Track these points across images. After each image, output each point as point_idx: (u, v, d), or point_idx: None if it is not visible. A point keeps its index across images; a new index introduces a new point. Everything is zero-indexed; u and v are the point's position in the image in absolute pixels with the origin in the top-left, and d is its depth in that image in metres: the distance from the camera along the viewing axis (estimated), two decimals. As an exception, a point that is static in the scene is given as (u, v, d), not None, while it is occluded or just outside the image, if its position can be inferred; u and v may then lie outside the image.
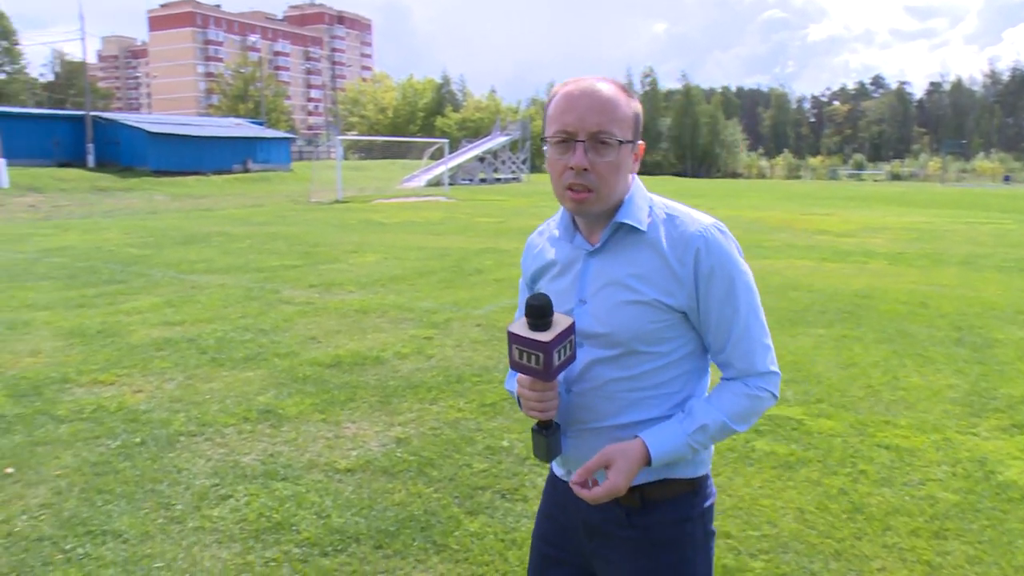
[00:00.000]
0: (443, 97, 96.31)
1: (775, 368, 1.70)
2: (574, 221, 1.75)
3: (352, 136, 67.12)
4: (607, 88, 1.63)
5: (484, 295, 9.71)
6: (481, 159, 53.14)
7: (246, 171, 44.98)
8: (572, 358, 1.63)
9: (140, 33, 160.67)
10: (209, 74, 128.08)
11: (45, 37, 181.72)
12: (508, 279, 10.85)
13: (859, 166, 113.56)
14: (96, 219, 22.50)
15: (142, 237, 17.03)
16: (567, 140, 1.61)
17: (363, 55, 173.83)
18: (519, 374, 1.64)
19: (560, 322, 1.57)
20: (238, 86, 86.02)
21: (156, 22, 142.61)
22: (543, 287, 1.80)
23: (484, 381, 6.03)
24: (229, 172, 43.66)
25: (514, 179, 53.86)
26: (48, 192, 31.15)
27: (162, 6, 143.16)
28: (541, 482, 4.17)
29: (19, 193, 30.56)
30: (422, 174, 46.93)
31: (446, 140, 45.51)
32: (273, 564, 3.42)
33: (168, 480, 4.29)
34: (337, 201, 30.63)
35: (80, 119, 41.98)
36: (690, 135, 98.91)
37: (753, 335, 1.67)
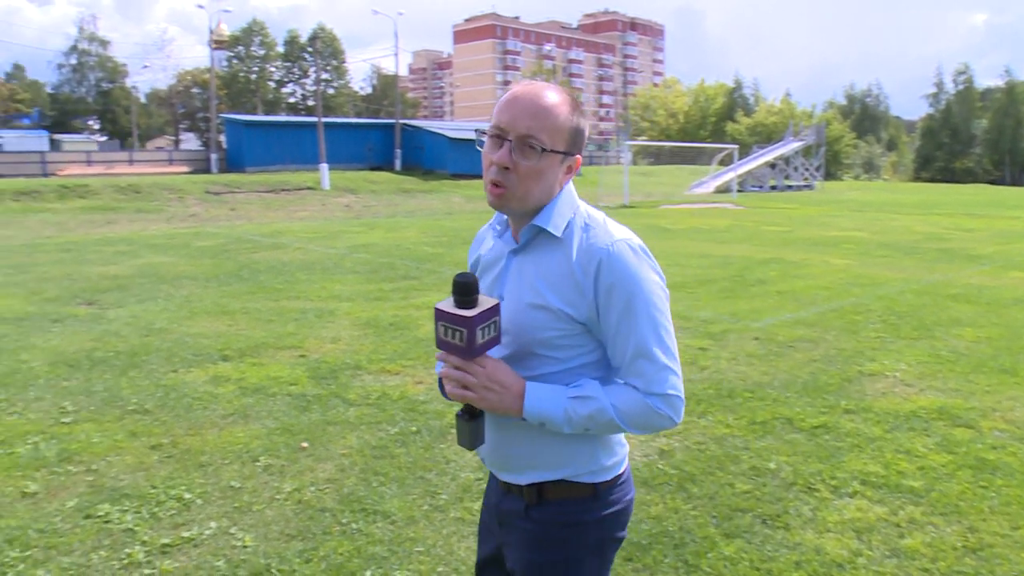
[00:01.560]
0: (734, 102, 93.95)
1: (674, 392, 1.67)
2: (508, 219, 1.79)
3: (641, 141, 67.43)
4: (551, 97, 1.66)
5: (765, 307, 9.34)
6: (772, 165, 51.22)
7: (537, 175, 46.58)
8: (496, 340, 1.63)
9: (446, 46, 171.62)
10: (507, 82, 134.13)
11: (366, 55, 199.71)
12: (792, 292, 10.36)
13: None
14: (399, 218, 24.37)
15: (437, 236, 18.19)
16: (498, 136, 1.66)
17: (655, 60, 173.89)
18: (443, 354, 1.66)
19: (485, 302, 1.59)
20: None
21: (460, 35, 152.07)
22: (480, 275, 1.86)
23: (756, 398, 5.80)
24: (521, 176, 45.45)
25: (806, 186, 51.35)
26: (361, 193, 34.20)
27: (466, 20, 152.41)
28: (808, 511, 3.94)
29: (337, 194, 33.88)
30: (710, 180, 46.12)
31: (736, 146, 44.43)
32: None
33: (436, 470, 4.53)
34: (624, 206, 30.88)
35: (390, 127, 45.83)
36: (1010, 138, 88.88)
37: (652, 355, 1.64)
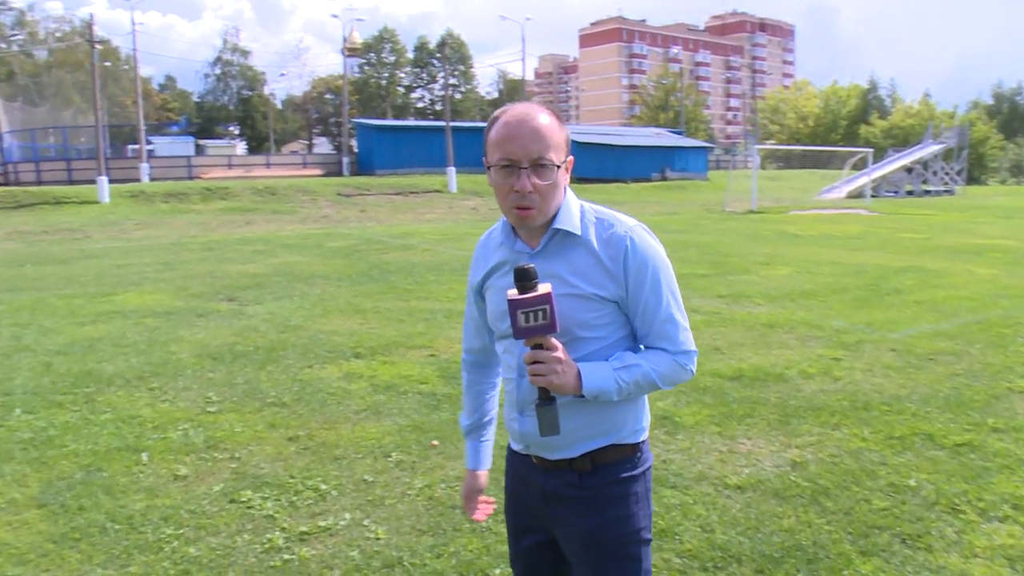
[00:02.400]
0: (868, 103, 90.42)
1: (692, 347, 1.94)
2: (513, 229, 1.95)
3: (770, 145, 65.84)
4: (543, 118, 1.84)
5: (902, 317, 8.97)
6: (909, 169, 49.09)
7: (664, 179, 46.21)
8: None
9: (571, 50, 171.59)
10: (632, 86, 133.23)
11: (493, 59, 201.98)
12: (931, 302, 9.91)
13: None
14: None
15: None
16: (511, 166, 1.82)
17: (784, 62, 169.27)
18: (524, 354, 1.80)
19: (544, 287, 1.76)
20: (659, 97, 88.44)
21: (586, 39, 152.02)
22: (493, 283, 2.02)
23: (894, 411, 5.58)
24: (647, 180, 45.17)
25: (946, 191, 48.94)
26: (486, 196, 34.64)
27: (592, 24, 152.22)
28: (952, 533, 3.76)
29: (464, 197, 34.49)
30: (842, 185, 44.61)
31: (870, 150, 42.71)
32: (652, 570, 3.47)
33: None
34: (751, 211, 30.23)
35: (516, 131, 46.19)
36: None
37: (675, 319, 1.91)
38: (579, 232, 1.89)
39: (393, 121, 57.96)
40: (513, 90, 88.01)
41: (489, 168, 1.88)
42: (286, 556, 3.66)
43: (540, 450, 2.00)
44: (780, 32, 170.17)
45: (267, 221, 26.17)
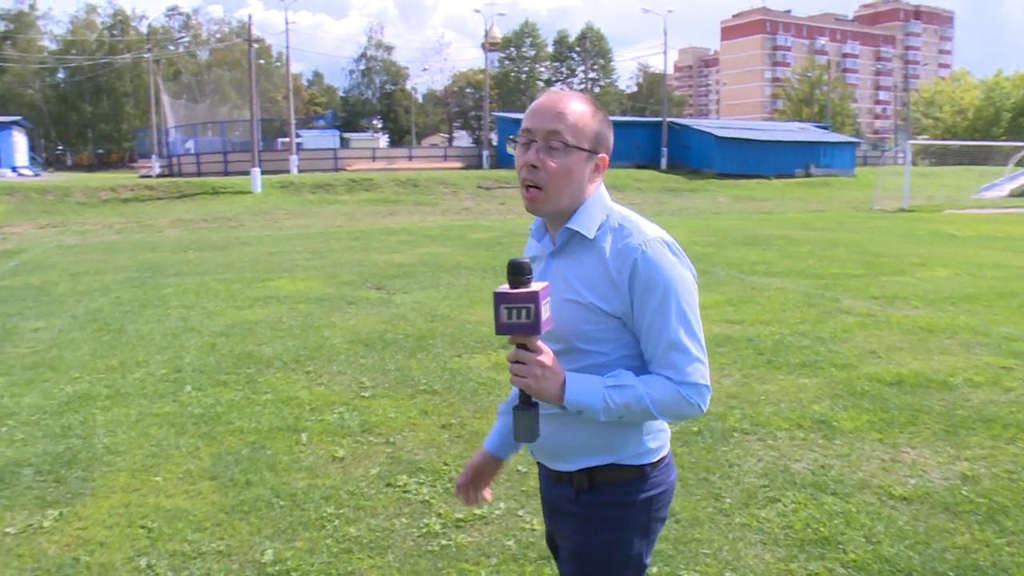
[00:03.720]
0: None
1: (703, 381, 1.75)
2: (545, 223, 1.89)
3: (923, 140, 62.55)
4: (574, 102, 1.80)
5: (1079, 326, 8.34)
6: (1082, 167, 45.70)
7: (808, 175, 44.66)
8: (550, 322, 1.69)
9: (712, 43, 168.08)
10: (775, 79, 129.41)
11: (632, 53, 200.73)
12: (1113, 309, 9.18)
13: None
14: (665, 217, 24.25)
15: (706, 236, 17.92)
16: (528, 141, 1.79)
17: (941, 51, 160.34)
18: (508, 353, 1.72)
19: (538, 285, 1.66)
20: (803, 90, 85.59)
21: (728, 32, 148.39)
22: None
23: (1076, 426, 5.20)
24: (790, 176, 43.77)
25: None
26: (626, 191, 34.42)
27: (735, 16, 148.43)
28: None
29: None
30: (1004, 183, 41.95)
31: (1038, 144, 40.02)
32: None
33: (720, 472, 4.46)
34: (902, 209, 28.84)
35: (657, 125, 45.77)
36: None
37: (684, 347, 1.73)
38: (591, 236, 1.79)
39: (532, 115, 58.19)
40: (653, 84, 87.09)
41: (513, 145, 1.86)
42: (443, 542, 3.73)
43: (541, 457, 1.97)
44: (937, 19, 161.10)
45: (410, 212, 26.84)
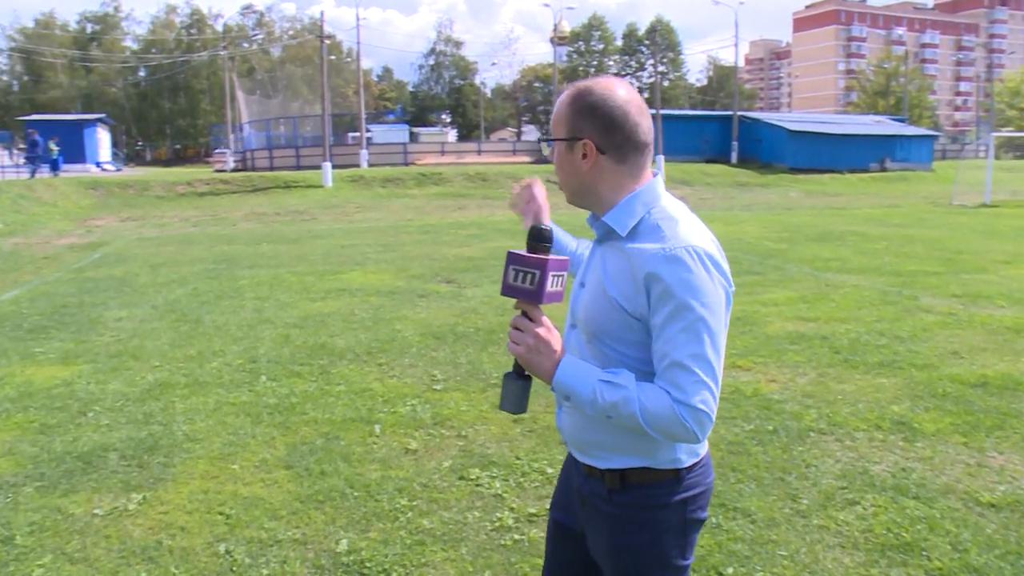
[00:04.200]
0: None
1: (704, 407, 1.62)
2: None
3: (1007, 132, 60.39)
4: (562, 96, 1.79)
5: None
6: None
7: (883, 170, 43.52)
8: (560, 296, 1.67)
9: (784, 35, 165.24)
10: (849, 71, 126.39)
11: (702, 46, 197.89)
12: None
13: None
14: (735, 212, 23.90)
15: (777, 232, 17.60)
16: None
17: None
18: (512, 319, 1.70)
19: (557, 255, 1.66)
20: (879, 82, 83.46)
21: (800, 23, 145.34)
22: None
23: None
24: (865, 171, 42.69)
25: None
26: (695, 185, 34.03)
27: (807, 7, 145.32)
28: None
29: (673, 186, 33.85)
30: (1093, 177, 40.32)
31: None
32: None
33: (796, 473, 4.37)
34: (984, 205, 27.88)
35: (727, 119, 45.09)
36: None
37: (688, 366, 1.62)
38: (623, 233, 1.74)
39: (600, 109, 57.92)
40: (723, 77, 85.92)
41: None
42: (516, 536, 3.73)
43: (571, 447, 1.95)
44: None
45: (479, 206, 26.92)
